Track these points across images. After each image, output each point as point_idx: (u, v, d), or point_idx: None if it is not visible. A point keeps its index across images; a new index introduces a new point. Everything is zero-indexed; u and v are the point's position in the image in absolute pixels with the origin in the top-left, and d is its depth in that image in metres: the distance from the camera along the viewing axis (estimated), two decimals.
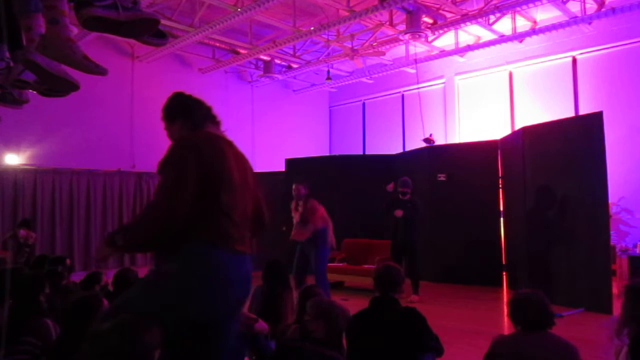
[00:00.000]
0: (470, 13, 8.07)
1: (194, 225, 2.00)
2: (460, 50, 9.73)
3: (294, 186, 6.11)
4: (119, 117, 9.53)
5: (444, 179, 8.60)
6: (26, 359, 2.45)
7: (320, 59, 10.44)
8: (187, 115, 2.23)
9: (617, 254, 7.18)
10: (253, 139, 11.60)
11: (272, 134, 11.92)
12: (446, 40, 9.91)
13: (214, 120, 2.29)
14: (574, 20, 8.03)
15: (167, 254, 2.03)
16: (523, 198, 7.15)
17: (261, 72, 10.82)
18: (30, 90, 2.78)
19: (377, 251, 7.63)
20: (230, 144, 2.26)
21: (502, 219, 8.15)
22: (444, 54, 9.95)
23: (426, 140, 9.07)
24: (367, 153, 12.05)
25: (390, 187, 7.13)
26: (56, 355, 2.36)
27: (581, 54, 9.13)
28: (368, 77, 11.36)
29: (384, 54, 9.72)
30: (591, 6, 7.93)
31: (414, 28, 7.89)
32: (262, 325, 3.44)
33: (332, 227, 6.26)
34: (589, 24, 8.40)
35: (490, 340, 2.48)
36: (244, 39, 9.67)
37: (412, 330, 2.72)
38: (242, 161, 2.30)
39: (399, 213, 6.84)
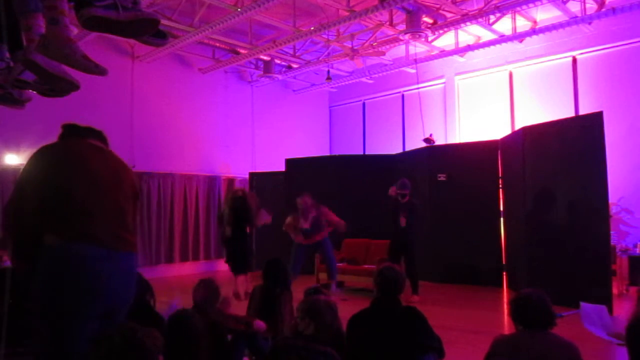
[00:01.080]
0: (470, 13, 8.07)
1: (49, 223, 2.12)
2: (460, 50, 9.73)
3: (299, 201, 7.14)
4: (119, 117, 9.52)
5: (444, 179, 8.61)
6: None
7: (320, 59, 10.44)
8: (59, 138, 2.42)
9: (617, 254, 7.18)
10: (253, 139, 11.60)
11: (272, 134, 11.91)
12: (446, 40, 9.90)
13: (90, 135, 2.42)
14: (574, 20, 8.02)
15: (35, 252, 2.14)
16: (523, 198, 7.15)
17: (261, 72, 10.81)
18: (30, 90, 2.78)
19: (377, 251, 7.64)
20: (98, 151, 2.39)
21: (502, 219, 8.15)
22: (444, 54, 9.94)
23: (426, 140, 9.07)
24: (367, 153, 12.04)
25: (392, 191, 7.18)
26: None
27: (581, 54, 9.13)
28: (368, 77, 11.35)
29: (384, 54, 9.71)
30: (591, 6, 7.92)
31: (414, 28, 7.88)
32: (260, 325, 3.45)
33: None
34: (589, 24, 8.39)
35: (490, 340, 2.48)
36: (244, 39, 9.67)
37: (413, 330, 2.72)
38: (116, 168, 2.41)
39: (402, 222, 6.98)
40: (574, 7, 8.09)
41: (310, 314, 2.49)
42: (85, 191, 2.18)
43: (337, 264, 7.82)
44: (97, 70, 2.12)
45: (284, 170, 10.28)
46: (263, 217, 7.64)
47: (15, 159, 8.50)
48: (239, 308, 4.93)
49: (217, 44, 9.85)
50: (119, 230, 2.22)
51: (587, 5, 7.90)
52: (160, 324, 2.79)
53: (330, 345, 2.42)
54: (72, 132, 2.37)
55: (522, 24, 9.04)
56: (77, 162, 2.25)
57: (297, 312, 2.60)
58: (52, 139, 2.41)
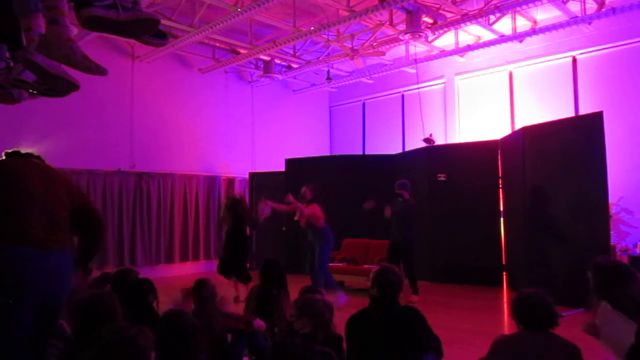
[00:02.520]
0: (470, 13, 8.07)
1: None
2: (460, 50, 9.73)
3: (302, 189, 6.77)
4: (119, 117, 9.52)
5: (444, 179, 8.61)
6: None
7: (320, 59, 10.43)
8: None
9: (617, 254, 7.18)
10: (253, 139, 11.60)
11: (272, 134, 11.91)
12: (446, 40, 9.90)
13: (29, 157, 2.71)
14: (574, 20, 8.02)
15: None
16: (523, 198, 7.15)
17: (261, 72, 10.81)
18: (30, 90, 2.78)
19: (376, 251, 7.64)
20: (33, 164, 2.60)
21: (502, 219, 8.15)
22: (444, 54, 9.94)
23: (426, 140, 9.07)
24: (367, 153, 12.04)
25: (368, 205, 7.23)
26: (69, 354, 2.39)
27: (581, 54, 9.13)
28: (368, 77, 11.35)
29: (384, 54, 9.71)
30: (591, 6, 7.92)
31: (414, 28, 7.88)
32: (260, 324, 3.45)
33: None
34: (589, 24, 8.39)
35: (490, 340, 2.47)
36: (244, 39, 9.66)
37: (412, 329, 2.72)
38: (49, 177, 2.57)
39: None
40: (574, 7, 8.09)
41: (308, 312, 2.48)
42: (17, 196, 2.34)
43: (337, 264, 7.81)
44: (97, 70, 2.12)
45: (284, 170, 10.29)
46: (263, 209, 7.42)
47: None
48: (234, 310, 4.93)
49: (217, 44, 9.85)
50: (50, 232, 2.35)
51: (587, 5, 7.90)
52: None
53: (325, 346, 2.42)
54: (13, 155, 2.66)
55: (522, 24, 9.05)
56: (9, 172, 2.44)
57: (293, 310, 2.59)
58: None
